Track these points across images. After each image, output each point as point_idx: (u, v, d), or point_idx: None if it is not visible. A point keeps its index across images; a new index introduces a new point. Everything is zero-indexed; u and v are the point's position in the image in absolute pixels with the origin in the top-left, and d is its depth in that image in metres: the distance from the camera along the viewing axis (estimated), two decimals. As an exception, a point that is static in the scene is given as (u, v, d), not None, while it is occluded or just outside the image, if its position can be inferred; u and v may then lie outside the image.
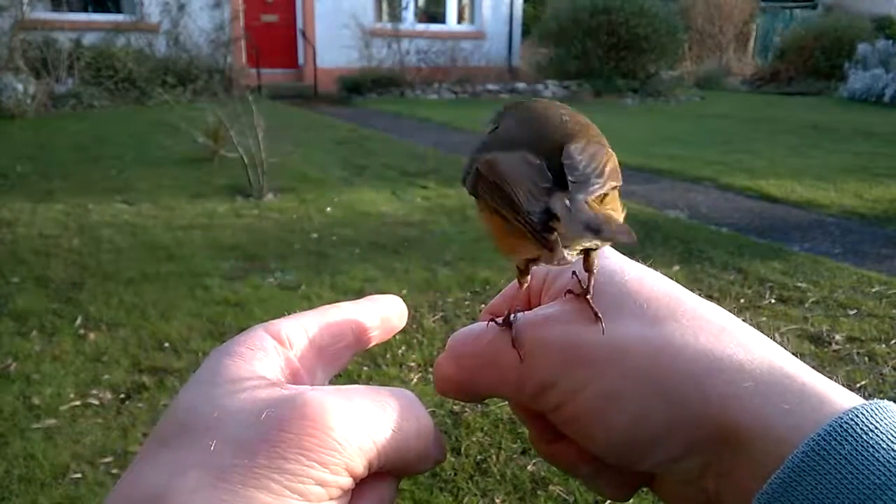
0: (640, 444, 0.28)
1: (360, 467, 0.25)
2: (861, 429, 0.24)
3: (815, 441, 0.24)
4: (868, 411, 0.24)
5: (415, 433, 0.27)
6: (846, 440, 0.24)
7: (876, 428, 0.24)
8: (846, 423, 0.24)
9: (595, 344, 0.29)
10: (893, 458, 0.23)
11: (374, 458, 0.25)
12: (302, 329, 0.30)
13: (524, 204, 0.28)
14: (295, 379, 0.28)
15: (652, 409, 0.28)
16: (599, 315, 0.30)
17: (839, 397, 0.26)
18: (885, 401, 0.25)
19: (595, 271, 0.32)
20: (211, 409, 0.25)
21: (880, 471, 0.23)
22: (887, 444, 0.23)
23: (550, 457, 0.33)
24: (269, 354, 0.28)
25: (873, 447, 0.23)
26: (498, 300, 0.37)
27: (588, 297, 0.31)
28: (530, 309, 0.34)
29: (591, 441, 0.30)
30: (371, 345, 0.34)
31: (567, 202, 0.28)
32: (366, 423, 0.25)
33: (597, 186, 0.30)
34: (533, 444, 0.34)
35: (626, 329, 0.29)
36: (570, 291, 0.32)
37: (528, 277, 0.34)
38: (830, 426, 0.24)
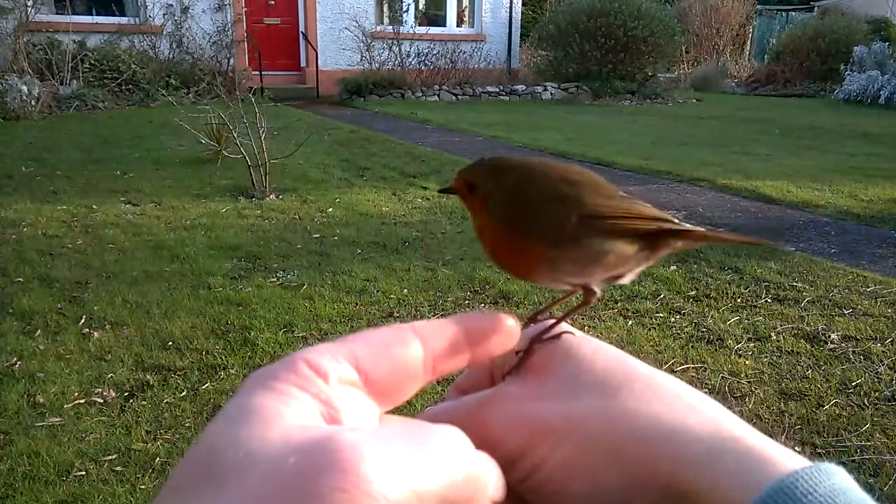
0: None
1: None
2: (801, 491, 0.25)
3: (758, 503, 0.25)
4: (808, 474, 0.25)
5: (462, 477, 0.24)
6: (786, 503, 0.25)
7: (814, 490, 0.25)
8: (787, 485, 0.25)
9: (555, 417, 0.30)
10: None
11: None
12: (351, 358, 0.27)
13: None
14: (334, 417, 0.25)
15: (608, 478, 0.29)
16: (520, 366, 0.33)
17: (782, 459, 0.27)
18: (827, 463, 0.26)
19: (534, 348, 0.34)
20: (235, 452, 0.22)
21: None
22: None
23: None
24: (306, 389, 0.25)
25: None
26: (464, 378, 0.37)
27: (517, 370, 0.34)
28: (493, 385, 0.35)
29: None
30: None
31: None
32: (406, 472, 0.22)
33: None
34: None
35: (582, 401, 0.31)
36: (509, 373, 0.34)
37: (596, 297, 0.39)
38: (772, 488, 0.25)
